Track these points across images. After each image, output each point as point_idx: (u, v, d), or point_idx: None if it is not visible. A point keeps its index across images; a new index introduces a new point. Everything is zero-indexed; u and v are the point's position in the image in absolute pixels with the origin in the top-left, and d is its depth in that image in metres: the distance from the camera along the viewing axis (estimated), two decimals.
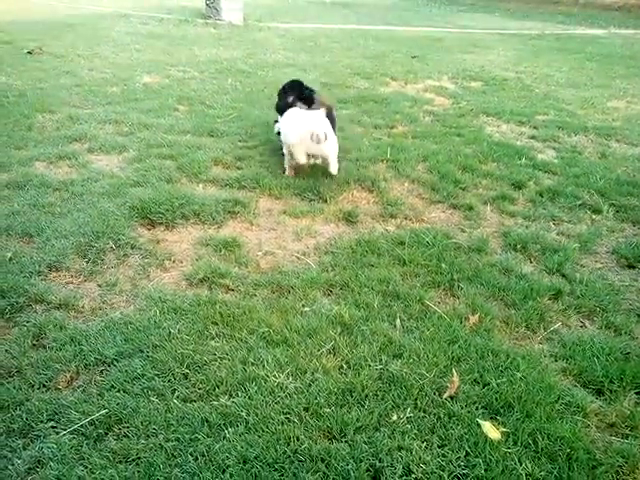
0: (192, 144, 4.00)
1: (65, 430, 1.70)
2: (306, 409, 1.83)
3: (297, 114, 3.48)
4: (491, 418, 1.82)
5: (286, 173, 3.57)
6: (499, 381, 1.96)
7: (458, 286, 2.54)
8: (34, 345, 2.05)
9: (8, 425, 1.70)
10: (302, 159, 3.43)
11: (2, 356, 1.98)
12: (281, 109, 3.72)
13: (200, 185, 3.42)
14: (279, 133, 3.61)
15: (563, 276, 2.69)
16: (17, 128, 4.14)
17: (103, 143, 3.93)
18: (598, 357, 2.11)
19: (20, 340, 2.05)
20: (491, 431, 1.74)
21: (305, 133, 3.31)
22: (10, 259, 2.53)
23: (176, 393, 1.86)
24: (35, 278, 2.42)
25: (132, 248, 2.70)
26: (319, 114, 3.39)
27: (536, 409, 1.85)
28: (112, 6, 11.06)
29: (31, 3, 10.91)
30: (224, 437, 1.70)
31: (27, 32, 7.82)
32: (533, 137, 4.66)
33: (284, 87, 3.85)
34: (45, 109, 4.58)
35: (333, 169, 3.52)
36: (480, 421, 1.78)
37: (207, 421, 1.75)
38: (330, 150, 3.44)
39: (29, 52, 6.61)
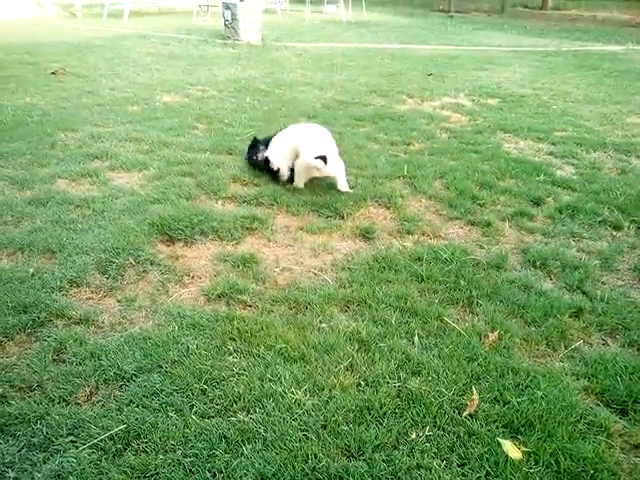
0: (211, 162, 4.05)
1: (84, 445, 1.71)
2: (324, 426, 1.82)
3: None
4: (512, 437, 1.79)
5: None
6: (519, 399, 1.93)
7: (477, 303, 2.52)
8: (55, 360, 2.08)
9: (29, 439, 1.72)
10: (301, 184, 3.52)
11: (24, 370, 2.01)
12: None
13: (219, 202, 3.46)
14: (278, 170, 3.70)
15: (584, 293, 2.65)
16: (40, 146, 4.23)
17: (124, 161, 3.99)
18: (621, 376, 2.07)
19: (41, 355, 2.08)
20: (512, 450, 1.71)
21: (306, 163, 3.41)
22: (32, 275, 2.58)
23: (194, 409, 1.86)
24: (56, 293, 2.46)
25: (151, 264, 2.73)
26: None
27: (558, 428, 1.82)
28: (133, 28, 11.32)
29: (57, 27, 11.20)
30: (242, 454, 1.70)
31: (51, 53, 8.03)
32: (551, 153, 4.64)
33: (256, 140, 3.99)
34: (68, 128, 4.68)
35: (342, 187, 3.55)
36: (500, 440, 1.76)
37: (225, 437, 1.75)
38: (336, 170, 3.50)
39: (53, 73, 6.77)
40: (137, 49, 8.82)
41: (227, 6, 9.94)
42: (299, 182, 3.58)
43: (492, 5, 20.02)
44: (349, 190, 3.57)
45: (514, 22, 15.82)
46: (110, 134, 4.59)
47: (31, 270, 2.61)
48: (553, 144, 4.85)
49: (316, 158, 3.37)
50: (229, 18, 9.85)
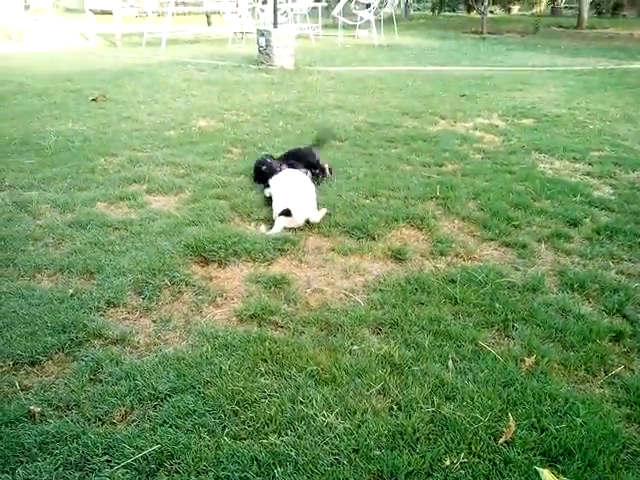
0: (245, 185, 4.12)
1: (119, 464, 1.73)
2: (355, 451, 1.80)
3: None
4: (550, 465, 1.74)
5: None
6: (558, 427, 1.88)
7: (513, 326, 2.47)
8: (91, 379, 2.12)
9: (66, 457, 1.75)
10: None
11: (62, 389, 2.05)
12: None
13: (252, 224, 3.51)
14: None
15: (624, 317, 2.57)
16: (81, 171, 4.38)
17: (161, 184, 4.09)
18: None
19: (78, 374, 2.13)
20: (550, 479, 1.66)
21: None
22: (72, 295, 2.65)
23: (226, 430, 1.87)
24: (94, 314, 2.52)
25: (186, 285, 2.78)
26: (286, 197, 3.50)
27: (599, 458, 1.75)
28: (170, 55, 11.68)
29: (98, 55, 11.66)
30: (273, 477, 1.69)
31: (92, 81, 8.34)
32: (588, 174, 4.55)
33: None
34: (107, 153, 4.84)
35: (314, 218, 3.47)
36: (538, 469, 1.70)
37: (257, 460, 1.75)
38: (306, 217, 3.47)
39: (93, 99, 7.02)
40: (174, 76, 9.08)
41: (262, 33, 10.18)
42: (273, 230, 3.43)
43: (525, 26, 19.94)
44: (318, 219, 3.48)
45: (548, 42, 15.69)
46: (148, 158, 4.72)
47: (70, 291, 2.68)
48: (590, 164, 4.76)
49: (280, 214, 3.41)
50: (263, 44, 10.08)
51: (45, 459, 1.75)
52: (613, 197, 4.03)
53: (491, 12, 24.24)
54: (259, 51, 10.25)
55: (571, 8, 27.53)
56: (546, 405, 1.99)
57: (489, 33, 17.86)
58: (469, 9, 26.15)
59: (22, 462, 1.74)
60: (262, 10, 14.33)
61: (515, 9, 29.30)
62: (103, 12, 14.07)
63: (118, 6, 13.40)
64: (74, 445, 1.79)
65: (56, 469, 1.71)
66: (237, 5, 14.49)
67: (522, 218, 3.61)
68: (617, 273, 2.98)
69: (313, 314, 2.55)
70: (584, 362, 2.24)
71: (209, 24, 17.79)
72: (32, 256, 3.01)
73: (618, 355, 2.30)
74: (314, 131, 5.60)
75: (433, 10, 28.47)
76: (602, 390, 2.11)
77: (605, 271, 2.99)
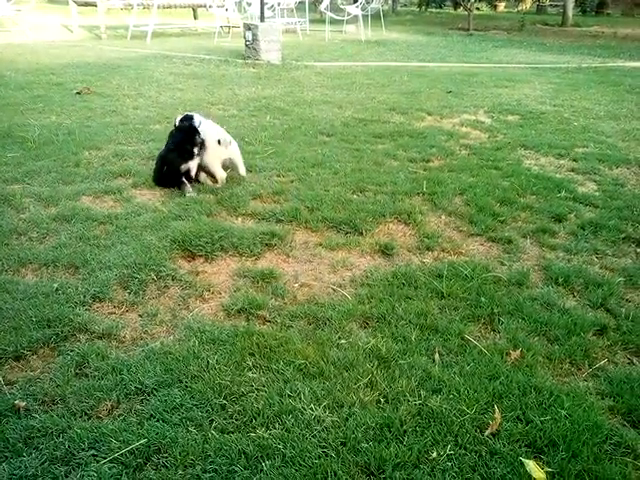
0: (231, 179, 4.10)
1: (105, 459, 1.72)
2: (343, 443, 1.80)
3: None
4: (535, 457, 1.76)
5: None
6: (543, 419, 1.90)
7: (498, 320, 2.50)
8: (77, 374, 2.10)
9: (51, 452, 1.74)
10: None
11: (47, 384, 2.03)
12: None
13: (239, 218, 3.49)
14: None
15: (608, 311, 2.61)
16: (65, 164, 4.32)
17: (147, 178, 4.06)
18: None
19: (64, 369, 2.11)
20: (535, 470, 1.68)
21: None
22: (56, 290, 2.62)
23: (214, 424, 1.87)
24: (80, 308, 2.49)
25: (173, 279, 2.76)
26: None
27: (583, 449, 1.78)
28: (156, 49, 11.56)
29: (83, 48, 11.50)
30: (261, 470, 1.70)
31: (77, 74, 8.22)
32: (573, 170, 4.60)
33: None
34: (92, 146, 4.78)
35: (242, 171, 4.06)
36: (524, 460, 1.72)
37: (244, 453, 1.75)
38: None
39: (78, 93, 6.93)
40: (160, 69, 9.00)
41: (248, 27, 10.12)
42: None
43: (511, 23, 20.06)
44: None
45: (534, 39, 15.81)
46: (133, 152, 4.67)
47: (55, 285, 2.65)
48: (574, 160, 4.81)
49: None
50: (250, 38, 10.02)
51: (30, 454, 1.73)
52: (597, 193, 4.08)
53: (477, 9, 24.34)
54: (246, 45, 10.20)
55: (556, 6, 27.73)
56: (531, 398, 2.01)
57: (475, 30, 17.94)
58: (456, 6, 26.26)
59: (7, 457, 1.72)
60: (249, 4, 14.24)
61: (501, 6, 29.44)
62: (87, 4, 13.89)
63: None
64: (60, 440, 1.78)
65: (42, 464, 1.70)
66: None
67: (508, 213, 3.64)
68: (601, 268, 3.02)
69: (301, 308, 2.56)
70: (568, 355, 2.27)
71: (195, 17, 17.64)
72: (16, 250, 2.97)
73: (602, 348, 2.33)
74: (301, 126, 5.59)
75: (420, 6, 28.53)
76: (586, 383, 2.14)
77: (589, 266, 3.02)
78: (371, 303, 2.61)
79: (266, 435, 1.82)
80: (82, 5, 14.10)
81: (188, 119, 3.85)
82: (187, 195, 3.78)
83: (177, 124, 3.88)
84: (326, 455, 1.76)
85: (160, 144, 4.87)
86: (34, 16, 14.22)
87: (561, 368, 2.22)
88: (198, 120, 3.85)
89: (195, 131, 3.81)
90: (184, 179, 3.83)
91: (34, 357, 2.19)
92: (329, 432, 1.84)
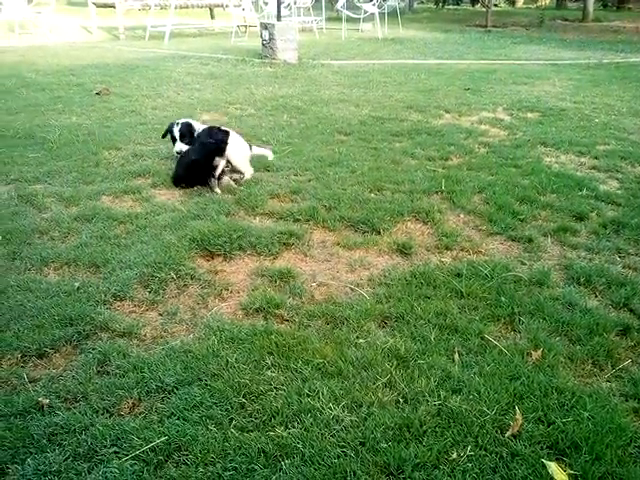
0: (249, 179, 4.11)
1: (127, 456, 1.74)
2: (362, 443, 1.80)
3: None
4: (557, 459, 1.74)
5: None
6: (565, 420, 1.88)
7: (519, 320, 2.47)
8: (99, 372, 2.13)
9: (74, 449, 1.76)
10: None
11: (69, 382, 2.06)
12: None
13: (257, 218, 3.51)
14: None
15: (631, 311, 2.57)
16: (86, 164, 4.38)
17: (165, 178, 4.09)
18: None
19: (86, 367, 2.14)
20: (557, 473, 1.66)
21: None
22: (78, 288, 2.66)
23: (233, 422, 1.88)
24: (101, 307, 2.52)
25: (192, 278, 2.78)
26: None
27: (606, 451, 1.75)
28: (174, 49, 11.65)
29: (102, 49, 11.64)
30: (280, 469, 1.70)
31: (96, 75, 8.32)
32: (594, 167, 4.53)
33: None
34: (112, 146, 4.83)
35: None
36: (545, 462, 1.70)
37: (264, 452, 1.75)
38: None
39: (97, 93, 7.01)
40: (178, 69, 9.06)
41: (265, 26, 10.14)
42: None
43: (530, 19, 19.83)
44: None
45: (553, 35, 15.61)
46: (152, 152, 4.72)
47: (77, 284, 2.69)
48: (596, 158, 4.74)
49: None
50: (267, 38, 10.04)
51: (54, 450, 1.76)
52: (619, 191, 4.01)
53: (495, 5, 24.12)
54: (262, 45, 10.22)
55: (576, 1, 27.34)
56: (553, 399, 1.99)
57: (494, 26, 17.77)
58: (473, 2, 26.04)
59: (32, 453, 1.75)
60: (265, 3, 14.27)
61: (520, 2, 29.14)
62: (106, 5, 14.05)
63: None
64: (82, 436, 1.81)
65: (65, 460, 1.72)
66: None
67: (528, 212, 3.60)
68: (624, 267, 2.97)
69: (318, 307, 2.56)
70: (591, 356, 2.24)
71: (212, 17, 17.73)
72: (38, 249, 3.02)
73: (625, 349, 2.30)
74: (318, 125, 5.59)
75: (437, 3, 28.34)
76: (609, 384, 2.11)
77: (612, 265, 2.98)
78: (389, 302, 2.60)
79: (285, 434, 1.82)
80: (101, 7, 14.26)
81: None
82: (216, 192, 3.88)
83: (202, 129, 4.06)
84: (345, 455, 1.76)
85: None
86: (54, 18, 14.41)
87: (583, 369, 2.19)
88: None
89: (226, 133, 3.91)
90: (213, 177, 3.91)
91: (57, 355, 2.22)
92: (348, 432, 1.84)
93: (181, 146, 4.18)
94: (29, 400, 1.95)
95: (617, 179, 4.28)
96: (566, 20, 20.45)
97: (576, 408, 1.94)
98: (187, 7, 14.95)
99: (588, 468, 1.70)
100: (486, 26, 17.69)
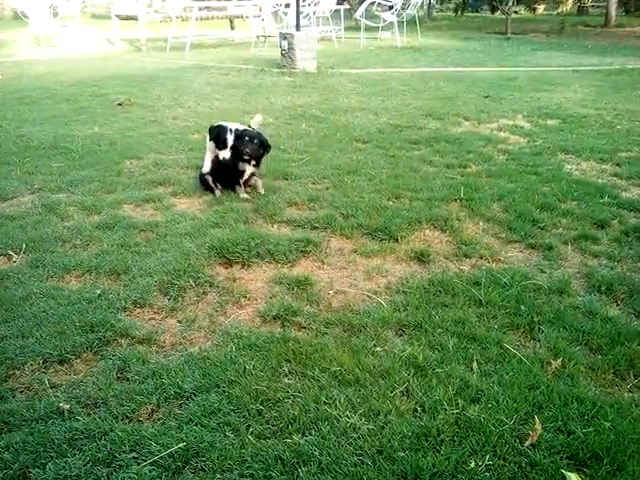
0: (267, 187, 4.14)
1: (146, 461, 1.75)
2: (379, 452, 1.79)
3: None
4: (577, 470, 1.71)
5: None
6: (585, 430, 1.85)
7: (539, 329, 2.44)
8: (119, 377, 2.15)
9: (94, 454, 1.79)
10: None
11: (90, 387, 2.09)
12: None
13: (275, 226, 3.53)
14: None
15: None
16: (108, 174, 4.45)
17: (185, 187, 4.14)
18: None
19: (106, 373, 2.17)
20: None
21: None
22: (99, 296, 2.70)
23: (250, 429, 1.88)
24: (121, 314, 2.56)
25: (210, 286, 2.81)
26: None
27: (628, 462, 1.72)
28: (194, 59, 11.81)
29: (124, 60, 11.86)
30: (297, 476, 1.70)
31: (118, 86, 8.48)
32: (616, 175, 4.47)
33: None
34: (133, 156, 4.91)
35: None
36: (565, 472, 1.68)
37: (281, 459, 1.76)
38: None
39: (119, 104, 7.14)
40: (198, 80, 9.18)
41: (284, 36, 10.23)
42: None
43: (551, 25, 19.67)
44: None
45: (574, 41, 15.46)
46: (173, 161, 4.78)
47: (98, 291, 2.73)
48: (618, 165, 4.67)
49: None
50: (286, 47, 10.13)
51: (74, 455, 1.78)
52: None
53: (515, 12, 23.97)
54: (282, 54, 10.31)
55: (598, 7, 27.06)
56: (573, 408, 1.96)
57: (513, 33, 17.65)
58: (493, 9, 25.92)
59: (52, 457, 1.78)
60: (285, 13, 14.40)
61: (540, 9, 28.90)
62: (128, 18, 14.30)
63: (143, 11, 13.60)
64: (102, 442, 1.83)
65: (85, 465, 1.75)
66: (260, 9, 14.59)
67: (548, 220, 3.56)
68: None
69: (336, 315, 2.56)
70: (612, 365, 2.20)
71: (232, 28, 17.94)
72: (61, 257, 3.07)
73: None
74: (337, 133, 5.61)
75: (456, 11, 28.26)
76: (631, 394, 2.07)
77: (634, 273, 2.93)
78: (407, 310, 2.59)
79: (302, 441, 1.82)
80: (124, 19, 14.53)
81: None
82: (241, 196, 3.98)
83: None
84: (362, 463, 1.75)
85: (199, 153, 4.97)
86: (79, 31, 14.74)
87: (604, 378, 2.16)
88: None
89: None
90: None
91: (78, 361, 2.26)
92: (365, 440, 1.84)
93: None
94: (50, 405, 1.98)
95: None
96: (587, 26, 20.23)
97: (597, 418, 1.91)
98: (208, 18, 15.15)
99: (610, 479, 1.67)
100: (506, 33, 17.59)
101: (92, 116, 6.48)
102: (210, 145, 4.11)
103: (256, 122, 4.49)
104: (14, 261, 3.06)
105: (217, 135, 3.99)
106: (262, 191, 4.04)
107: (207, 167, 4.10)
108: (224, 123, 4.09)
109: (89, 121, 6.23)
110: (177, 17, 13.87)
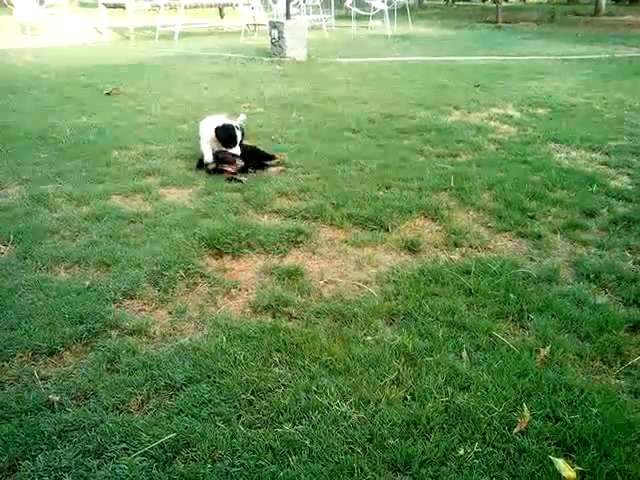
0: (257, 177, 4.13)
1: (136, 452, 1.75)
2: (370, 440, 1.81)
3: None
4: (565, 455, 1.73)
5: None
6: (573, 417, 1.87)
7: (528, 317, 2.46)
8: (109, 369, 2.15)
9: (84, 445, 1.78)
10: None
11: (80, 379, 2.08)
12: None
13: (265, 216, 3.52)
14: None
15: None
16: (96, 164, 4.41)
17: (175, 177, 4.12)
18: None
19: (96, 364, 2.16)
20: (565, 469, 1.65)
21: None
22: (88, 287, 2.68)
23: (241, 419, 1.89)
24: (111, 305, 2.55)
25: (201, 277, 2.80)
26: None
27: (615, 448, 1.74)
28: (183, 48, 11.70)
29: (112, 49, 11.73)
30: (288, 465, 1.71)
31: (106, 75, 8.38)
32: (605, 163, 4.49)
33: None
34: (122, 146, 4.87)
35: None
36: (553, 458, 1.70)
37: (271, 448, 1.76)
38: None
39: (107, 93, 7.06)
40: (187, 69, 9.10)
41: (274, 25, 10.16)
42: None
43: (541, 14, 19.66)
44: None
45: (565, 30, 15.48)
46: (162, 152, 4.75)
47: (87, 282, 2.72)
48: (607, 154, 4.70)
49: None
50: (276, 36, 10.06)
51: (64, 446, 1.78)
52: (630, 187, 3.98)
53: (506, 1, 23.92)
54: (272, 43, 10.24)
55: None
56: (561, 395, 1.98)
57: (504, 22, 17.64)
58: None
59: (42, 449, 1.77)
60: (274, 2, 14.28)
61: None
62: (116, 6, 14.14)
63: (131, 0, 13.43)
64: (92, 433, 1.82)
65: (75, 456, 1.74)
66: None
67: (537, 209, 3.58)
68: (634, 264, 2.94)
69: (326, 305, 2.56)
70: (600, 353, 2.23)
71: (222, 16, 17.79)
72: (49, 249, 3.05)
73: (635, 346, 2.28)
74: (327, 122, 5.59)
75: None
76: (618, 381, 2.10)
77: (622, 262, 2.95)
78: (397, 300, 2.60)
79: (293, 431, 1.83)
80: (111, 7, 14.35)
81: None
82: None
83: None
84: (352, 451, 1.76)
85: (188, 143, 4.95)
86: (66, 19, 14.54)
87: (592, 366, 2.18)
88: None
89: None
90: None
91: (67, 353, 2.25)
92: (355, 428, 1.85)
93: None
94: (40, 397, 1.98)
95: (628, 175, 4.24)
96: (578, 15, 20.27)
97: (584, 405, 1.93)
98: (197, 7, 15.00)
99: (596, 465, 1.69)
100: (497, 22, 17.57)
101: (80, 106, 6.40)
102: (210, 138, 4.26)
103: (241, 120, 4.66)
104: (2, 253, 3.03)
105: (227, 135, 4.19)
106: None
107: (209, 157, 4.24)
108: (227, 122, 4.25)
109: (77, 111, 6.16)
110: (165, 5, 13.72)
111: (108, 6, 14.21)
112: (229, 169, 4.17)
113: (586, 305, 2.55)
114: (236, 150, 4.20)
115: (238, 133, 4.19)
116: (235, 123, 4.27)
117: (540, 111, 6.24)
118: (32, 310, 2.48)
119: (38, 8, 13.77)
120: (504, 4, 20.51)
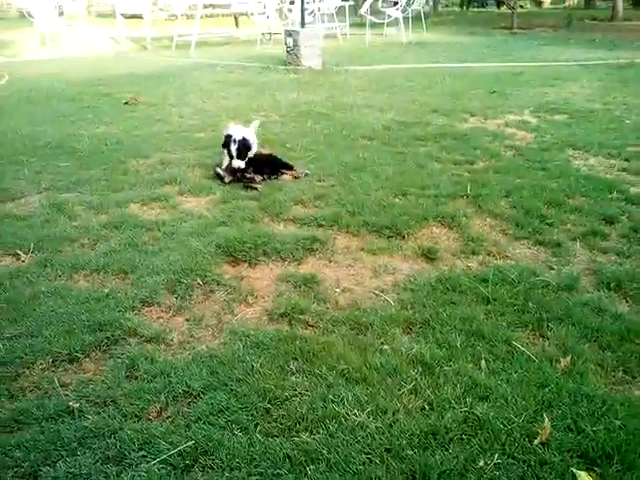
0: (273, 185, 4.14)
1: (155, 459, 1.76)
2: (388, 450, 1.79)
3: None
4: (587, 468, 1.70)
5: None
6: (595, 428, 1.84)
7: (547, 326, 2.43)
8: (127, 376, 2.16)
9: (104, 452, 1.80)
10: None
11: (99, 386, 2.10)
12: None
13: (281, 224, 3.53)
14: None
15: None
16: (114, 173, 4.46)
17: (192, 186, 4.15)
18: None
19: (115, 371, 2.18)
20: None
21: None
22: (107, 295, 2.71)
23: (259, 427, 1.89)
24: (129, 313, 2.57)
25: (217, 284, 2.81)
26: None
27: (639, 461, 1.71)
28: (199, 57, 11.81)
29: (129, 59, 11.88)
30: (306, 474, 1.70)
31: (124, 84, 8.49)
32: (624, 170, 4.44)
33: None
34: (139, 155, 4.92)
35: None
36: (575, 471, 1.67)
37: (289, 457, 1.76)
38: None
39: (126, 103, 7.15)
40: (204, 78, 9.19)
41: (289, 33, 10.22)
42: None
43: (558, 19, 19.52)
44: None
45: (582, 35, 15.34)
46: (179, 160, 4.79)
47: (106, 290, 2.74)
48: (626, 160, 4.64)
49: None
50: (291, 45, 10.11)
51: (84, 453, 1.79)
52: None
53: (521, 7, 23.81)
54: (287, 51, 10.29)
55: (605, 0, 26.83)
56: (583, 406, 1.95)
57: (520, 28, 17.54)
58: (499, 4, 25.75)
59: (63, 456, 1.79)
60: (290, 10, 14.37)
61: (546, 3, 28.74)
62: (134, 16, 14.32)
63: (148, 10, 13.62)
64: (111, 440, 1.84)
65: (95, 463, 1.76)
66: (265, 6, 14.57)
67: (556, 216, 3.54)
68: None
69: (343, 313, 2.56)
70: (622, 363, 2.19)
71: (237, 26, 17.93)
72: (69, 257, 3.09)
73: None
74: (342, 130, 5.60)
75: (462, 6, 28.14)
76: None
77: None
78: (414, 308, 2.58)
79: (310, 440, 1.83)
80: (129, 18, 14.55)
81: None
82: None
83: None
84: (370, 461, 1.75)
85: (205, 152, 5.00)
86: (84, 30, 14.77)
87: (614, 376, 2.14)
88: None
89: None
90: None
91: (87, 360, 2.27)
92: (373, 438, 1.83)
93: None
94: (60, 404, 2.00)
95: None
96: (595, 20, 20.08)
97: (607, 416, 1.90)
98: (212, 16, 15.16)
99: (620, 478, 1.66)
100: (512, 28, 17.48)
101: (98, 115, 6.49)
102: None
103: (254, 126, 4.68)
104: (23, 261, 3.08)
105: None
106: None
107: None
108: (229, 132, 4.26)
109: (95, 120, 6.25)
110: (182, 15, 13.87)
111: (126, 16, 14.41)
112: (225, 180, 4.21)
113: (607, 314, 2.51)
114: (238, 163, 4.15)
115: (233, 147, 4.11)
116: (249, 130, 4.27)
117: (557, 117, 6.19)
118: (52, 317, 2.51)
119: (57, 19, 14.02)
120: (519, 10, 20.41)
